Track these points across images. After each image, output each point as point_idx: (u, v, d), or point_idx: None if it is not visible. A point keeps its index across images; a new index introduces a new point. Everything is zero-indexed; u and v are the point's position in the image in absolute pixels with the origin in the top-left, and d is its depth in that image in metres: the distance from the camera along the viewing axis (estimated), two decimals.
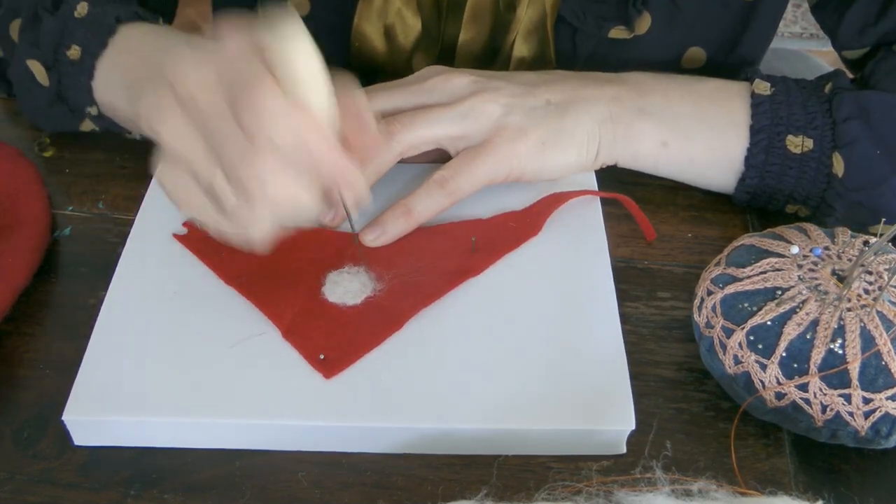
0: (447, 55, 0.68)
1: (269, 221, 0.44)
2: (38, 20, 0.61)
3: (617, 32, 0.64)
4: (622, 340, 0.49)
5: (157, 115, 0.44)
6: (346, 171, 0.45)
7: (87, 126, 0.62)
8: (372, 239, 0.54)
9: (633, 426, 0.46)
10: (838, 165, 0.55)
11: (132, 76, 0.55)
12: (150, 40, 0.57)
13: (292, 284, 0.51)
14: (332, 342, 0.49)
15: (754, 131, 0.56)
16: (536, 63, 0.67)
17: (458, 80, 0.57)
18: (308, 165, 0.43)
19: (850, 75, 0.61)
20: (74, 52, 0.59)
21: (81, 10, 0.60)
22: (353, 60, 0.70)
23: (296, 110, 0.42)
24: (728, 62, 0.69)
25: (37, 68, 0.61)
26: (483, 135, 0.55)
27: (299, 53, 0.42)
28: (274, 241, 0.46)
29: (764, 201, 0.58)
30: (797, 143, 0.56)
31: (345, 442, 0.46)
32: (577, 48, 0.66)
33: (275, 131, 0.41)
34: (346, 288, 0.51)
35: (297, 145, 0.42)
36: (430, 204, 0.54)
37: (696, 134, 0.57)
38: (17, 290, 0.53)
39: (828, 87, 0.58)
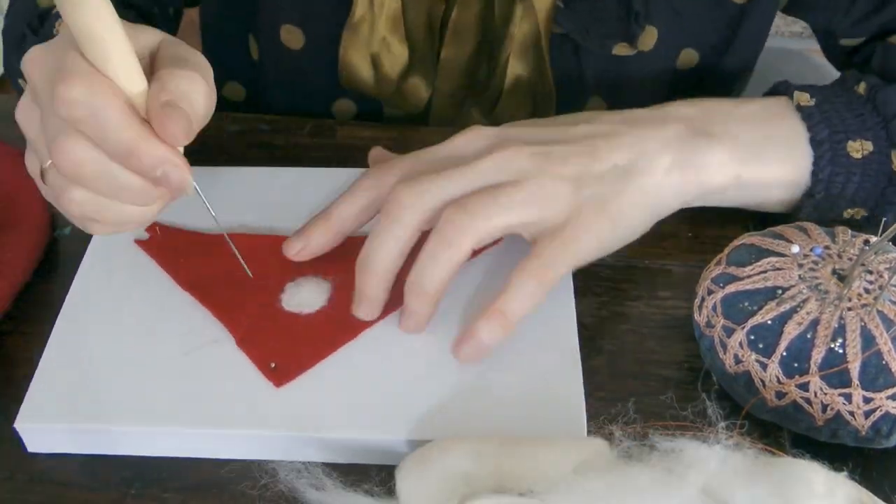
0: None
1: (87, 200, 0.44)
2: (23, 40, 0.63)
3: (621, 49, 0.63)
4: (578, 348, 0.49)
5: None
6: (151, 149, 0.42)
7: None
8: (465, 354, 0.48)
9: (584, 437, 0.45)
10: None
11: None
12: None
13: (250, 292, 0.51)
14: (284, 350, 0.48)
15: (816, 143, 0.54)
16: (533, 80, 0.67)
17: (517, 157, 0.50)
18: (107, 142, 0.42)
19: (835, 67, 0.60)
20: None
21: (59, 27, 0.60)
22: (346, 89, 0.69)
23: (98, 90, 0.41)
24: (721, 66, 0.68)
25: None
26: (559, 217, 0.49)
27: (91, 10, 0.40)
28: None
29: (825, 211, 0.56)
30: (857, 148, 0.54)
31: (297, 451, 0.46)
32: (582, 65, 0.65)
33: (70, 110, 0.41)
34: (305, 296, 0.51)
35: (95, 122, 0.41)
36: (525, 302, 0.48)
37: (768, 157, 0.54)
38: (16, 290, 0.53)
39: (861, 87, 0.56)
